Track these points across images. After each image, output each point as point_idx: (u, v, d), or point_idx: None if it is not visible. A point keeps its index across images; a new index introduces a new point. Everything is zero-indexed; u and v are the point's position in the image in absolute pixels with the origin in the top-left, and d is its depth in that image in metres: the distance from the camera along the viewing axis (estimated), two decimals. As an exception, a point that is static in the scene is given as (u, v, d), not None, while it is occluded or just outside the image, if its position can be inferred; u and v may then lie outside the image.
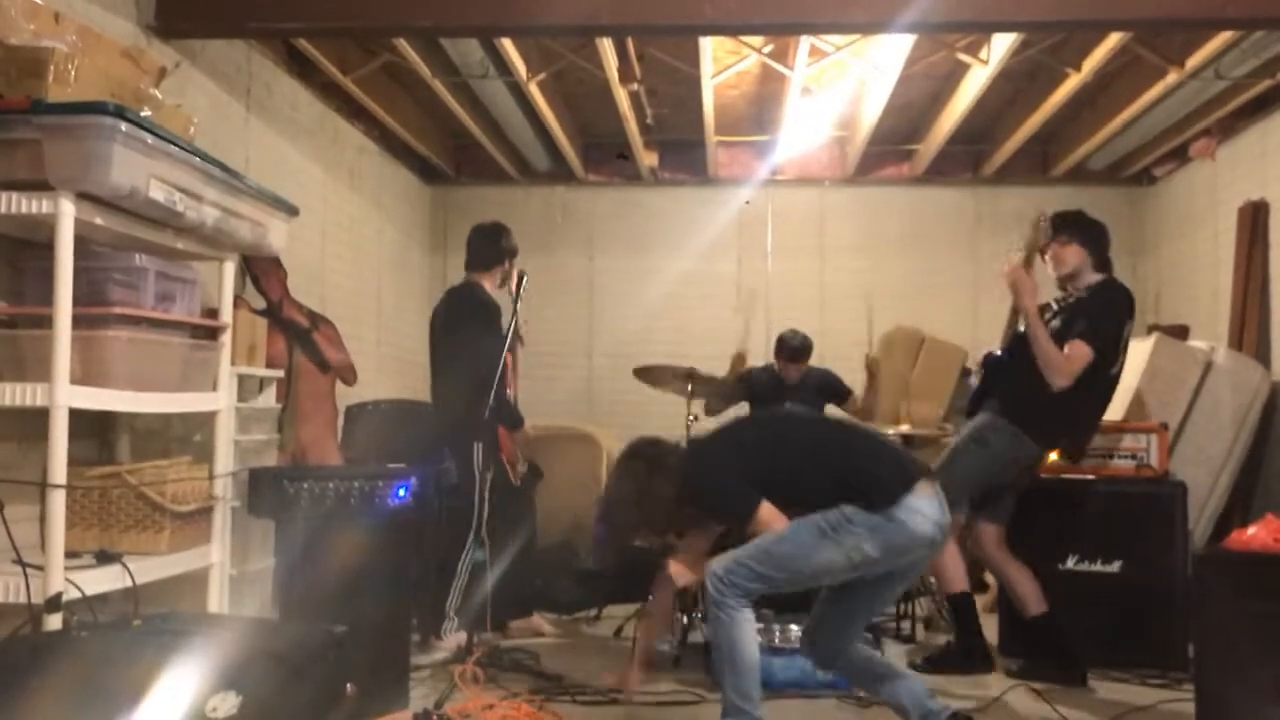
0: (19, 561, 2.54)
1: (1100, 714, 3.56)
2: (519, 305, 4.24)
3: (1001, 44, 5.05)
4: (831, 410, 5.47)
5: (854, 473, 2.83)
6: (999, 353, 4.06)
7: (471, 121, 6.28)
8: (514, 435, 4.46)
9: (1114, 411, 5.07)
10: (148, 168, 2.66)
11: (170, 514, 3.00)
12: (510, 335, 4.24)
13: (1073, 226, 4.09)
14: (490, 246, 4.59)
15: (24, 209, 2.57)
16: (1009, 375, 3.98)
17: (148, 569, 2.87)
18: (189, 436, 3.57)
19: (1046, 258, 4.07)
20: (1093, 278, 4.03)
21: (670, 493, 2.91)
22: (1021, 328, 4.00)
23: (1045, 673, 3.91)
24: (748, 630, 2.77)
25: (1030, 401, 3.89)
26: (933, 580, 4.88)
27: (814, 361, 5.58)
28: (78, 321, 2.62)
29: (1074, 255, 4.04)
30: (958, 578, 4.00)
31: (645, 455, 3.03)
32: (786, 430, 3.15)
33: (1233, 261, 5.84)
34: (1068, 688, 3.80)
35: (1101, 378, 3.90)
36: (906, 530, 2.73)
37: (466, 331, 4.37)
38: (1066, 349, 3.81)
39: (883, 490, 2.76)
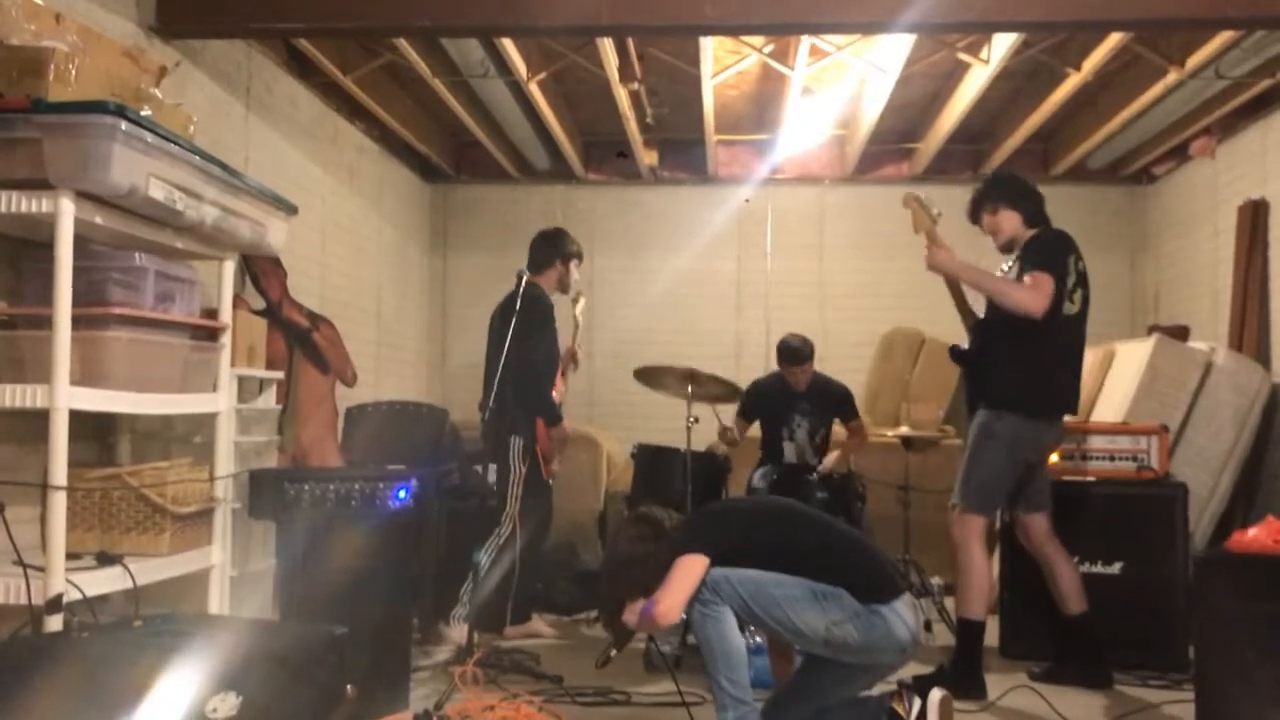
0: (20, 563, 2.54)
1: (1101, 714, 3.56)
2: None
3: (1002, 44, 5.05)
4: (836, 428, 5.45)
5: (855, 564, 2.97)
6: (962, 346, 4.04)
7: (472, 120, 6.28)
8: (552, 430, 4.56)
9: (1113, 414, 5.11)
10: (147, 166, 2.65)
11: (171, 516, 2.99)
12: (509, 338, 4.31)
13: (999, 192, 4.02)
14: (545, 249, 4.81)
15: (24, 208, 2.56)
16: (987, 365, 3.94)
17: (148, 570, 2.87)
18: (189, 438, 3.56)
19: (985, 227, 4.03)
20: (1028, 234, 3.97)
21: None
22: (981, 314, 3.98)
23: (1070, 674, 3.90)
24: (732, 622, 2.86)
25: (1015, 380, 3.83)
26: (935, 581, 4.88)
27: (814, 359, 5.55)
28: (77, 321, 2.62)
29: (1007, 221, 3.97)
30: (985, 603, 3.85)
31: (650, 521, 3.13)
32: (797, 511, 3.26)
33: (1232, 261, 5.84)
34: (1092, 690, 3.81)
35: (1064, 321, 3.81)
36: (885, 629, 2.85)
37: (517, 327, 4.43)
38: (1027, 279, 3.74)
39: (877, 588, 2.90)
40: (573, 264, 4.79)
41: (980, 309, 4.02)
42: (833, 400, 5.34)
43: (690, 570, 2.88)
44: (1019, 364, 3.81)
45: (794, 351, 5.23)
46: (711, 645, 2.85)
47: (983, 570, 3.85)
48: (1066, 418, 4.08)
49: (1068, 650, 3.99)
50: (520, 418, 4.41)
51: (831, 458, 5.25)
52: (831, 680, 2.99)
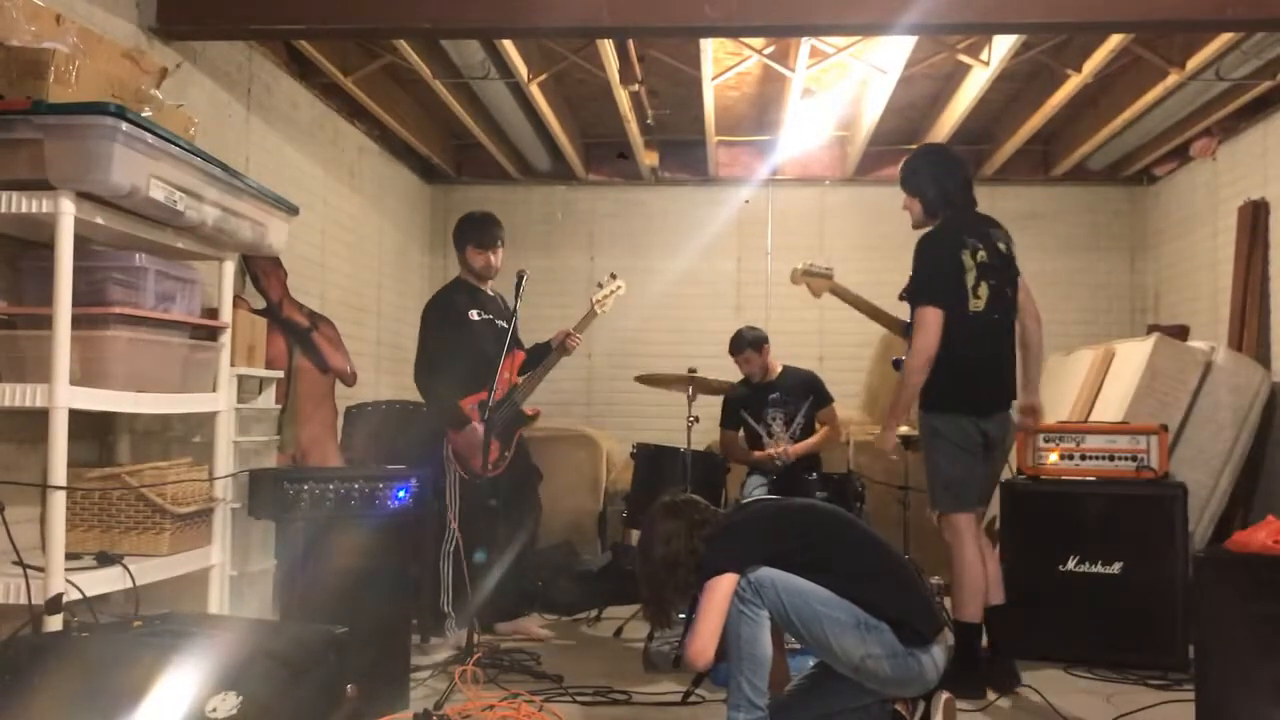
0: (20, 563, 2.54)
1: (1101, 714, 3.56)
2: (518, 305, 4.26)
3: (1002, 45, 5.05)
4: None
5: (906, 601, 2.92)
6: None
7: (472, 122, 6.29)
8: (458, 435, 4.40)
9: (1113, 413, 5.11)
10: (148, 167, 2.66)
11: (170, 515, 3.00)
12: (509, 336, 4.28)
13: (905, 178, 4.04)
14: (453, 241, 4.72)
15: (24, 208, 2.56)
16: None
17: (148, 570, 2.87)
18: (189, 437, 3.57)
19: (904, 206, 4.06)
20: (928, 224, 3.98)
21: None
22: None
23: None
24: (767, 628, 2.84)
25: (933, 381, 3.82)
26: (934, 581, 4.89)
27: (813, 362, 5.55)
28: (77, 321, 2.62)
29: (913, 207, 4.01)
30: (977, 605, 3.82)
31: (681, 514, 3.09)
32: (856, 527, 3.17)
33: (1232, 261, 5.84)
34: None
35: (971, 318, 3.78)
36: (918, 670, 2.84)
37: (419, 333, 4.64)
38: (915, 321, 3.78)
39: (919, 631, 2.86)
40: (468, 250, 4.61)
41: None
42: (803, 387, 5.33)
43: (717, 599, 2.83)
44: (937, 365, 3.80)
45: (742, 340, 5.30)
46: (741, 644, 2.82)
47: (973, 572, 3.81)
48: (1064, 417, 4.06)
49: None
50: (439, 421, 4.37)
51: (801, 445, 5.18)
52: (844, 691, 2.99)
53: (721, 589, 2.84)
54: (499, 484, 4.39)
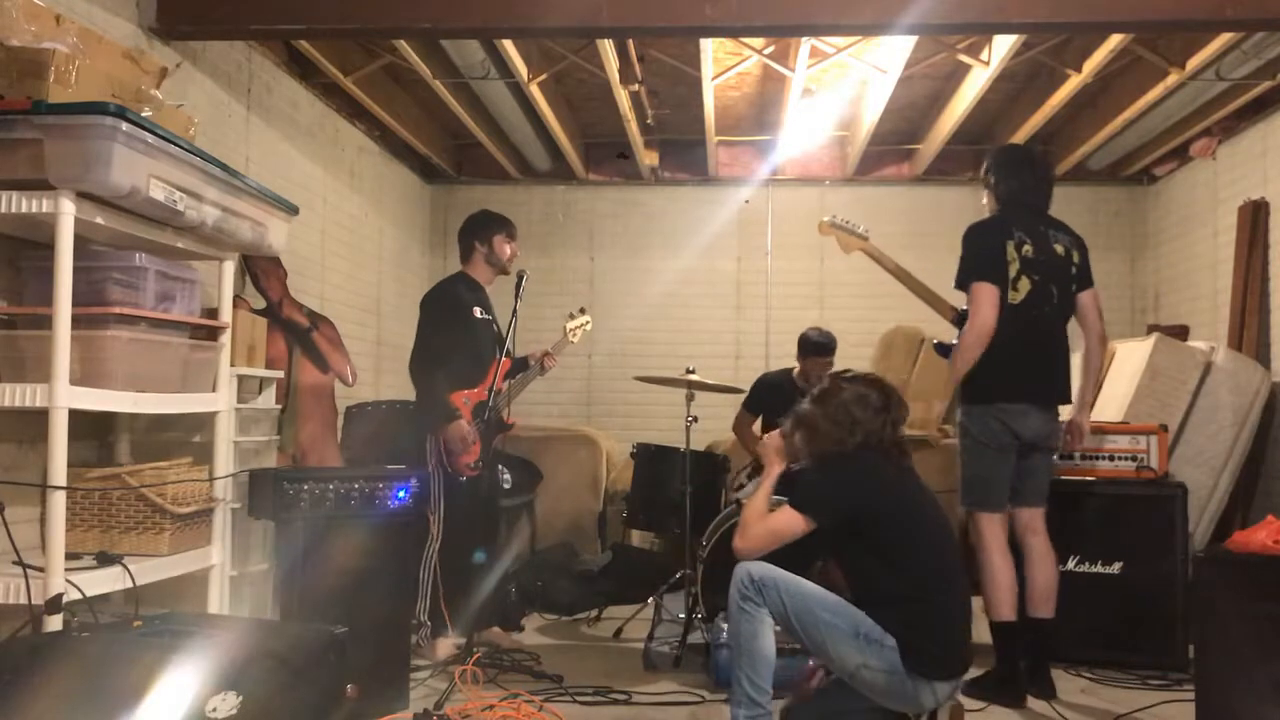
0: (20, 563, 2.54)
1: (1100, 714, 3.56)
2: (518, 306, 4.24)
3: (1002, 45, 5.05)
4: None
5: (940, 634, 2.84)
6: (949, 342, 4.01)
7: (472, 122, 6.29)
8: (444, 431, 4.24)
9: (1113, 413, 5.11)
10: (148, 167, 2.66)
11: (170, 515, 3.00)
12: (509, 337, 4.26)
13: (983, 174, 4.09)
14: (463, 239, 4.63)
15: (24, 208, 2.57)
16: None
17: (148, 570, 2.88)
18: (189, 437, 3.57)
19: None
20: None
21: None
22: (964, 306, 3.93)
23: (984, 688, 3.73)
24: (769, 628, 2.86)
25: (971, 373, 3.80)
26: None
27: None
28: (77, 321, 2.62)
29: (987, 202, 4.06)
30: (1006, 604, 3.76)
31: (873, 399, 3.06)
32: (945, 551, 2.98)
33: (1233, 261, 5.84)
34: (1006, 707, 3.63)
35: (1009, 311, 3.74)
36: (913, 694, 2.80)
37: (419, 323, 4.53)
38: (970, 298, 3.78)
39: (931, 667, 2.79)
40: (497, 240, 4.52)
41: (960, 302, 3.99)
42: None
43: (784, 528, 2.88)
44: (983, 357, 3.78)
45: (817, 345, 5.15)
46: (741, 642, 2.86)
47: (998, 572, 3.76)
48: (1063, 410, 4.02)
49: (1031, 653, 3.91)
50: (423, 418, 4.33)
51: None
52: (848, 692, 2.96)
53: (790, 524, 2.88)
54: (477, 488, 4.33)
